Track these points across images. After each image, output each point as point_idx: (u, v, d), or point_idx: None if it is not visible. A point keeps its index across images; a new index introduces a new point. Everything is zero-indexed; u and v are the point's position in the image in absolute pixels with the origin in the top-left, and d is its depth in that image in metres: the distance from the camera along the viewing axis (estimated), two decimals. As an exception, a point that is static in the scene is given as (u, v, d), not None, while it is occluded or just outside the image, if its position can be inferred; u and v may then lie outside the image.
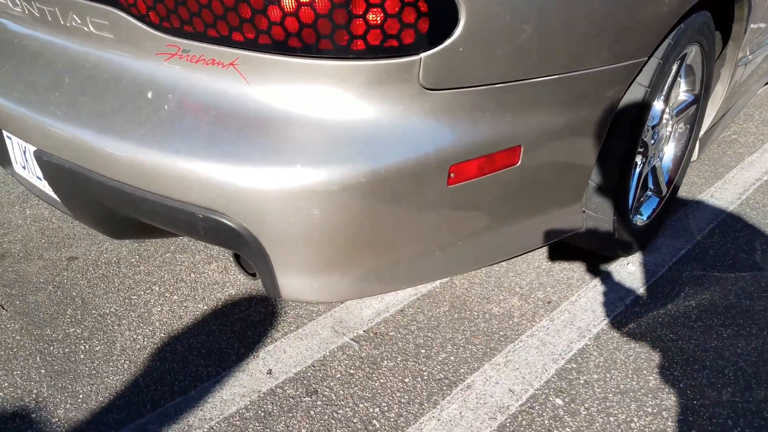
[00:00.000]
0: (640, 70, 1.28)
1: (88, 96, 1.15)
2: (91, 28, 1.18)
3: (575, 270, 1.62)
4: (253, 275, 1.22)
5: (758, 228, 1.78)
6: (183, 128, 1.01)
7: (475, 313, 1.47)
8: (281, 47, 0.94)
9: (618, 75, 1.21)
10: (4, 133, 1.39)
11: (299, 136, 0.95)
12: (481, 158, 1.06)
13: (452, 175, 1.03)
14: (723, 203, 1.92)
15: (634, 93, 1.28)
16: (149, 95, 1.07)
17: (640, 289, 1.54)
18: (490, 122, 1.05)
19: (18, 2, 1.30)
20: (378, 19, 0.89)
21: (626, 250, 1.59)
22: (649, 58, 1.28)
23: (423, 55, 0.93)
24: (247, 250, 1.03)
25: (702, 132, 1.86)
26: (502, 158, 1.10)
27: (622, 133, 1.31)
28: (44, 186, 1.34)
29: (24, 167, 1.42)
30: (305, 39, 0.92)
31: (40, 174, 1.29)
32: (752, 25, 1.73)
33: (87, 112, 1.12)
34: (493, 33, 0.96)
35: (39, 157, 1.21)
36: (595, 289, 1.55)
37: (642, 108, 1.30)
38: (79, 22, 1.19)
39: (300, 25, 0.90)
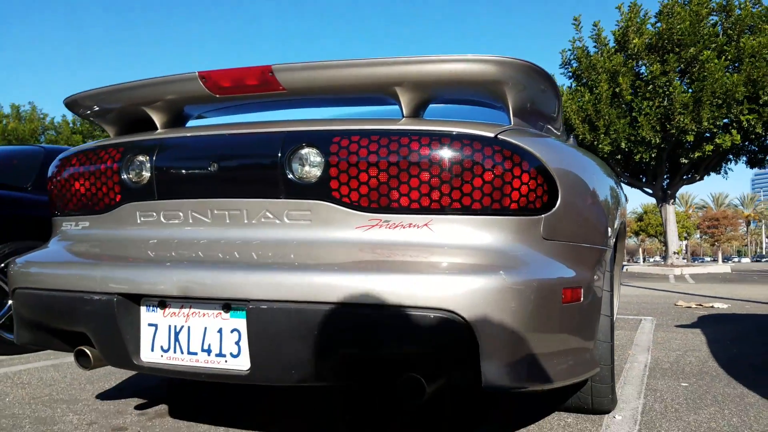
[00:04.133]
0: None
1: (290, 259, 1.55)
2: (285, 220, 1.63)
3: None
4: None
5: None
6: (395, 261, 1.46)
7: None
8: (466, 211, 1.52)
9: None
10: (145, 323, 1.62)
11: (489, 258, 1.47)
12: (568, 289, 1.64)
13: (563, 295, 1.59)
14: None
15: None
16: (357, 250, 1.52)
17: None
18: (570, 266, 1.66)
19: (195, 214, 1.70)
20: (525, 194, 1.54)
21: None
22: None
23: (543, 215, 1.58)
24: (458, 343, 1.40)
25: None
26: (576, 294, 1.68)
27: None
28: (191, 360, 1.56)
29: (166, 350, 1.61)
30: (483, 203, 1.52)
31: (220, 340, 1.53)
32: None
33: (294, 266, 1.51)
34: (569, 212, 1.66)
35: (255, 306, 1.47)
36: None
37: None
38: (271, 217, 1.64)
39: (481, 196, 1.51)
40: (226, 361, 1.56)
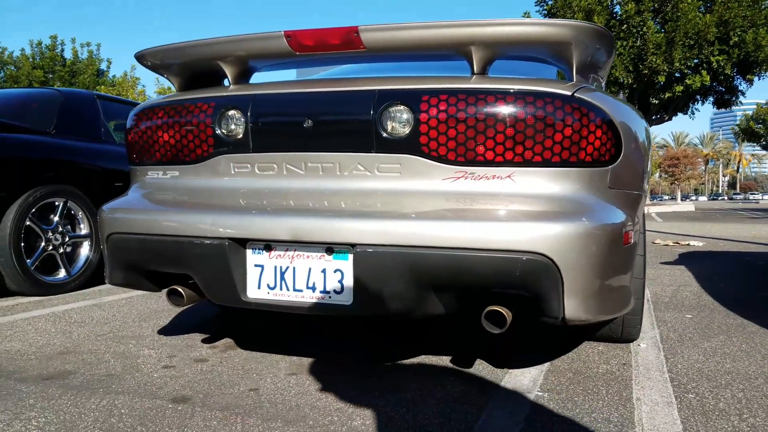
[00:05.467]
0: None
1: (387, 208, 1.72)
2: (375, 172, 1.79)
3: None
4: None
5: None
6: (483, 209, 1.65)
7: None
8: (546, 163, 1.70)
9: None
10: (251, 264, 1.78)
11: (568, 206, 1.67)
12: (626, 232, 1.86)
13: (623, 238, 1.80)
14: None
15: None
16: (445, 199, 1.70)
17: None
18: (625, 211, 1.87)
19: (290, 166, 1.85)
20: (598, 147, 1.73)
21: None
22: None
23: (610, 167, 1.77)
24: (545, 282, 1.60)
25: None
26: (630, 236, 1.90)
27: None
28: (297, 296, 1.74)
29: (272, 288, 1.79)
30: (562, 156, 1.70)
31: (323, 278, 1.71)
32: None
33: (393, 214, 1.68)
34: (627, 163, 1.86)
35: (361, 250, 1.65)
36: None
37: None
38: (362, 169, 1.80)
39: (560, 150, 1.69)
40: (330, 297, 1.75)
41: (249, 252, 1.81)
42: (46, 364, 2.19)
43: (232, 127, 1.91)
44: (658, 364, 2.24)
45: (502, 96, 1.70)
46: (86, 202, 3.79)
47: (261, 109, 1.88)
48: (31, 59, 23.87)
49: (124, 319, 2.95)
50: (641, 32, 15.90)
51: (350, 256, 1.71)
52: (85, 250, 3.84)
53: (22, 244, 3.41)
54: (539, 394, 1.90)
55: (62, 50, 24.06)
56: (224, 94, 1.94)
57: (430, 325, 2.78)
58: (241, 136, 1.90)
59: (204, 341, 2.53)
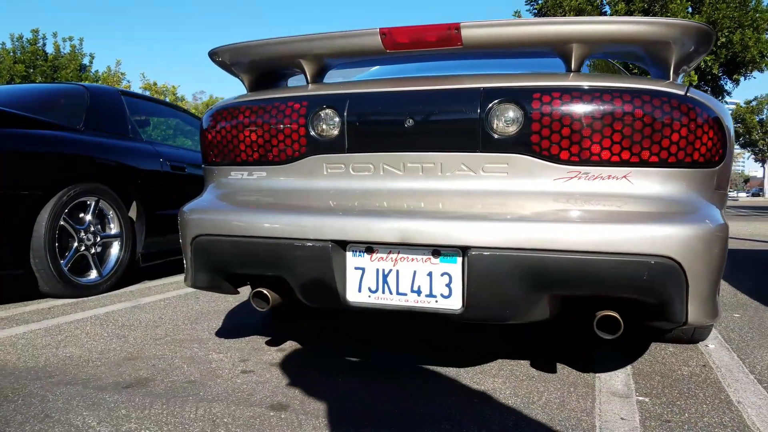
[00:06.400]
0: None
1: (496, 209, 1.67)
2: (480, 172, 1.74)
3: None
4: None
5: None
6: (602, 210, 1.61)
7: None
8: (662, 163, 1.67)
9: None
10: (351, 266, 1.73)
11: (686, 207, 1.64)
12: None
13: (727, 239, 1.78)
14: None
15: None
16: (559, 200, 1.66)
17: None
18: (722, 212, 1.84)
19: (387, 166, 1.79)
20: (710, 148, 1.70)
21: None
22: None
23: (717, 168, 1.75)
24: (671, 286, 1.57)
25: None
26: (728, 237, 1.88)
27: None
28: (401, 300, 1.69)
29: (374, 291, 1.74)
30: (678, 157, 1.67)
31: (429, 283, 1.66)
32: None
33: (514, 216, 1.64)
34: (727, 164, 1.83)
35: (477, 253, 1.61)
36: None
37: None
38: (466, 169, 1.75)
39: (677, 150, 1.66)
40: (436, 301, 1.70)
41: (349, 254, 1.76)
42: (116, 371, 2.11)
43: (327, 126, 1.85)
44: (735, 365, 2.23)
45: (619, 94, 1.66)
46: (116, 200, 3.69)
47: (359, 109, 1.82)
48: (12, 53, 23.36)
49: (173, 322, 2.87)
50: (631, 31, 16.04)
51: (459, 259, 1.67)
52: (115, 250, 3.73)
53: (56, 244, 3.30)
54: (640, 399, 1.88)
55: (44, 44, 23.59)
56: (318, 93, 1.88)
57: (492, 327, 2.74)
58: (335, 135, 1.84)
59: (268, 344, 2.46)
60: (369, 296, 1.75)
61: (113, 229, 3.72)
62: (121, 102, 4.05)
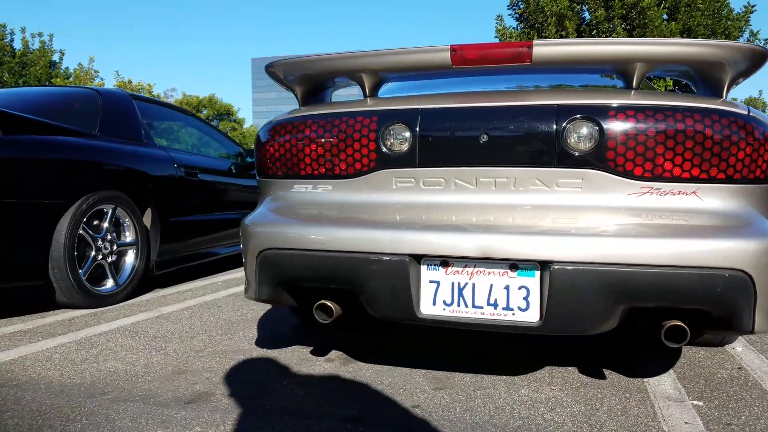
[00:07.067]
0: None
1: (572, 224, 1.71)
2: (554, 187, 1.78)
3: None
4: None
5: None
6: (674, 225, 1.66)
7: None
8: (728, 180, 1.73)
9: None
10: (426, 280, 1.75)
11: (750, 221, 1.70)
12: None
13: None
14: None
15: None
16: (632, 215, 1.71)
17: None
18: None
19: (459, 181, 1.82)
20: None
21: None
22: None
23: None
24: (740, 297, 1.63)
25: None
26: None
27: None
28: (477, 313, 1.72)
29: (449, 304, 1.76)
30: (743, 173, 1.73)
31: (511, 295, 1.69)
32: None
33: (594, 231, 1.67)
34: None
35: (559, 268, 1.64)
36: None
37: None
38: (539, 184, 1.78)
39: (742, 167, 1.72)
40: (513, 314, 1.73)
41: (424, 268, 1.77)
42: (171, 386, 2.08)
43: (397, 141, 1.87)
44: (766, 367, 2.31)
45: (690, 113, 1.71)
46: (132, 207, 3.63)
47: (431, 123, 1.84)
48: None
49: (206, 332, 2.84)
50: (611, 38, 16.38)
51: (537, 273, 1.70)
52: (130, 258, 3.67)
53: (75, 253, 3.24)
54: (695, 403, 1.94)
55: (11, 40, 22.93)
56: (388, 107, 1.89)
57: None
58: (406, 150, 1.86)
59: (313, 354, 2.46)
60: (444, 309, 1.77)
61: (129, 236, 3.66)
62: (132, 106, 3.98)
